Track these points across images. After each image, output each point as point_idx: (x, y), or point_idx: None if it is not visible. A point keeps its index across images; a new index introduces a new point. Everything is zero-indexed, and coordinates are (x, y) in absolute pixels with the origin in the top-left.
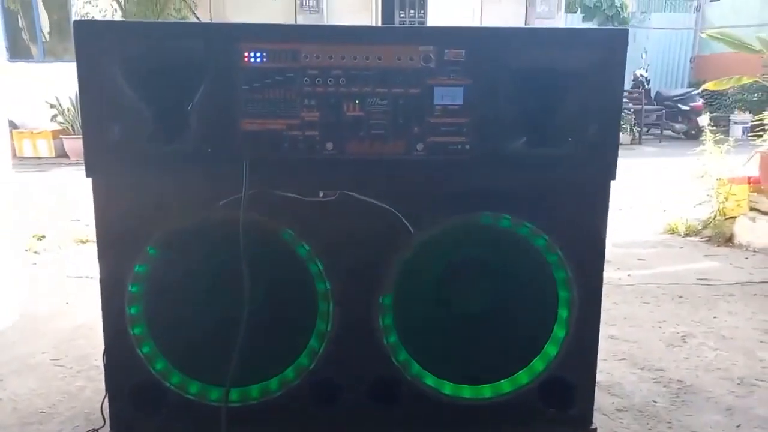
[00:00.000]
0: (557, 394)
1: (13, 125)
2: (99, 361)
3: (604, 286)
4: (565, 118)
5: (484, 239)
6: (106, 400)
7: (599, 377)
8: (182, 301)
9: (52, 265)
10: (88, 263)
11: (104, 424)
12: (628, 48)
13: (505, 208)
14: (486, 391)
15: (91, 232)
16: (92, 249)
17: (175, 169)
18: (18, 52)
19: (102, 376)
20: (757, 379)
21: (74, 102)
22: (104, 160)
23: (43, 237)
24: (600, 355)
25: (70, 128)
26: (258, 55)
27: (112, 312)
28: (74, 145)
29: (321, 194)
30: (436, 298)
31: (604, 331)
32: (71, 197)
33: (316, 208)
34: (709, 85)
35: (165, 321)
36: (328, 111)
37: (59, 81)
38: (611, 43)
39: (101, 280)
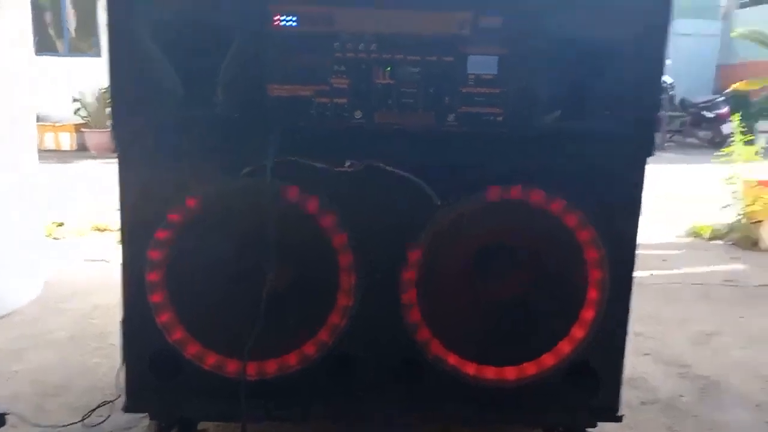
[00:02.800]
0: (583, 379)
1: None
2: (115, 340)
3: None
4: (602, 90)
5: (514, 215)
6: (122, 373)
7: (624, 371)
8: (203, 270)
9: (70, 250)
10: (105, 249)
11: (119, 395)
12: None
13: (538, 184)
14: (509, 372)
15: (109, 221)
16: (109, 237)
17: (201, 134)
18: (44, 46)
19: (117, 354)
20: None
21: (98, 97)
22: (131, 123)
23: (62, 224)
24: None
25: (92, 122)
26: (288, 18)
27: (132, 278)
28: (96, 138)
29: (347, 164)
30: (462, 276)
31: (628, 327)
32: (91, 188)
33: (342, 178)
34: (738, 85)
35: (185, 290)
36: (358, 78)
37: (83, 76)
38: (654, 8)
39: (123, 246)
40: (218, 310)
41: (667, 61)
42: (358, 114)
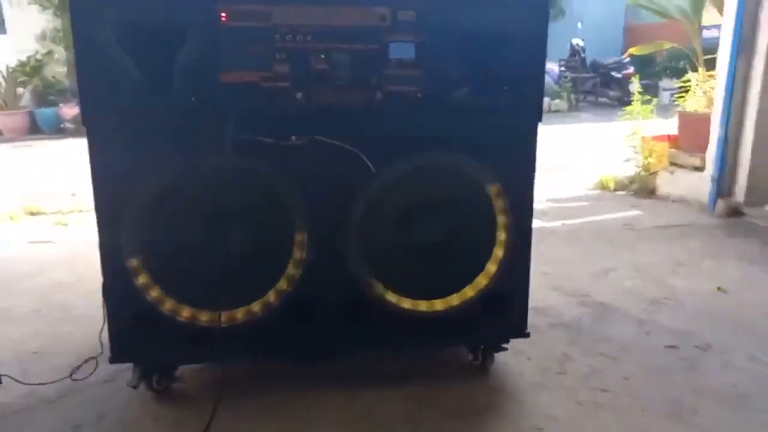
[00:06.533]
0: (497, 305)
1: None
2: (80, 311)
3: (539, 232)
4: (500, 69)
5: (434, 174)
6: (104, 330)
7: (535, 303)
8: (174, 236)
9: (10, 234)
10: (44, 231)
11: (101, 351)
12: (565, 18)
13: (452, 148)
14: (438, 304)
15: (41, 204)
16: (44, 219)
17: (163, 119)
18: None
19: (86, 322)
20: (665, 299)
21: (5, 76)
22: (99, 112)
23: None
24: (536, 287)
25: (2, 103)
26: (234, 15)
27: (109, 248)
28: (8, 120)
29: (293, 138)
30: (396, 227)
31: (539, 268)
32: (12, 172)
33: (290, 150)
34: (633, 50)
35: (158, 254)
36: (297, 64)
37: None
38: (534, 4)
39: (98, 220)
40: (189, 269)
41: (578, 25)
42: (299, 95)
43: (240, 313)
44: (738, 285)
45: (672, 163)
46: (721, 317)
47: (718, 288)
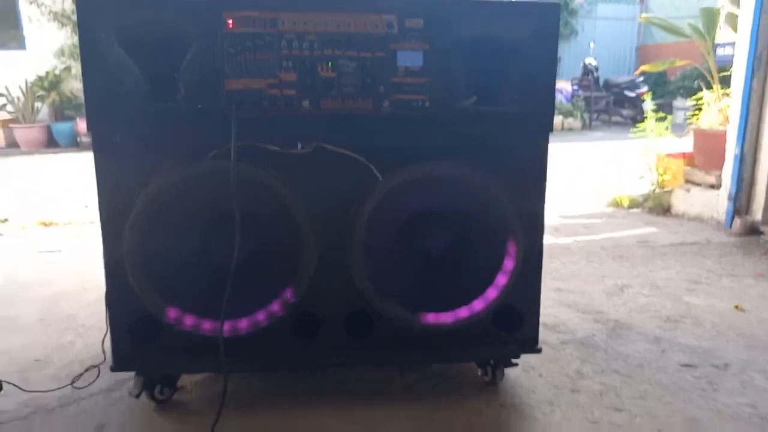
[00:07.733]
0: (508, 319)
1: None
2: (85, 321)
3: (551, 248)
4: (509, 79)
5: (442, 184)
6: (107, 338)
7: (547, 319)
8: (177, 243)
9: (21, 244)
10: (55, 241)
11: (104, 359)
12: (578, 38)
13: (460, 158)
14: (446, 317)
15: (54, 215)
16: (56, 230)
17: (168, 125)
18: None
19: (90, 332)
20: (681, 317)
21: (24, 90)
22: (104, 117)
23: (6, 220)
24: (548, 303)
25: (20, 117)
26: (240, 22)
27: (111, 254)
28: (25, 134)
29: (299, 146)
30: (403, 238)
31: (553, 284)
32: (28, 184)
33: (296, 159)
34: (645, 67)
35: (161, 261)
36: (303, 72)
37: (7, 70)
38: (545, 14)
39: (102, 227)
40: (192, 277)
41: (591, 44)
42: (305, 103)
43: (244, 323)
44: (756, 303)
45: (687, 181)
46: (739, 336)
47: (736, 306)
